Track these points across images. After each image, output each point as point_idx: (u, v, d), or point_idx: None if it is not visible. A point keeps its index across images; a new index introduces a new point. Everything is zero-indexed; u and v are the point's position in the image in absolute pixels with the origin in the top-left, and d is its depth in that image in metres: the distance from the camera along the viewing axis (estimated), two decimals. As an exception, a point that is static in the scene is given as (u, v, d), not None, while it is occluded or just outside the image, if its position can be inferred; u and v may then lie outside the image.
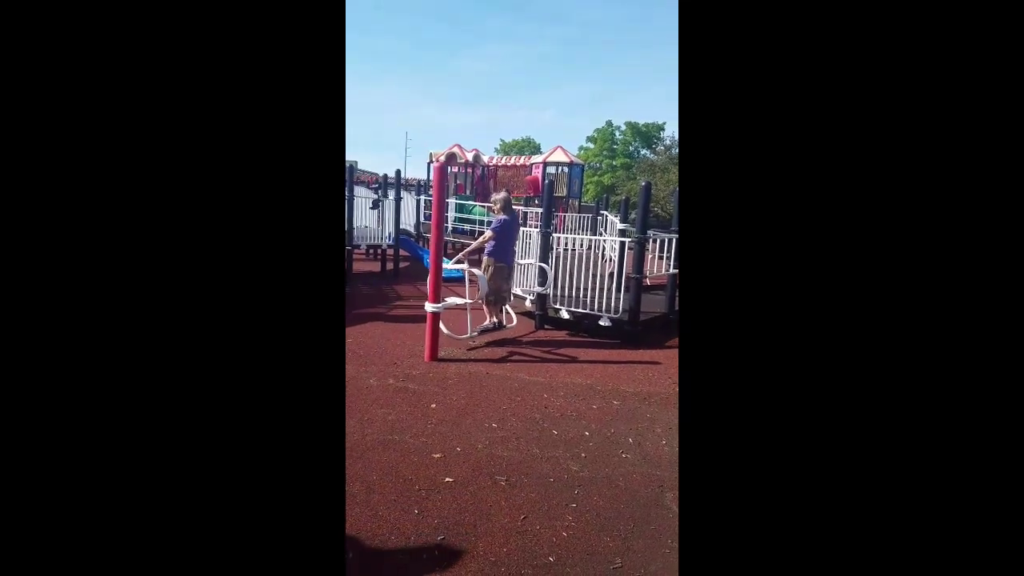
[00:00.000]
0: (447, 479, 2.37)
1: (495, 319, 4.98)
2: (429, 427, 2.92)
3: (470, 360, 4.30)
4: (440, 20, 74.01)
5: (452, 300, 4.73)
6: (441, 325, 4.48)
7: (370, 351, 4.34)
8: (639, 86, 62.74)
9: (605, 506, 2.24)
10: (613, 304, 5.12)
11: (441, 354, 4.29)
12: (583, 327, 5.37)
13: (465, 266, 4.84)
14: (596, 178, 34.69)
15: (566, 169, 16.96)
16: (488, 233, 4.84)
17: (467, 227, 12.50)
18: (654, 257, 6.62)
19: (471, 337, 4.82)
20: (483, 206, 12.27)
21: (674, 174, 22.81)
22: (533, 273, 5.62)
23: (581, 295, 5.37)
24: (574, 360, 4.47)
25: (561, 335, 5.34)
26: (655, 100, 66.97)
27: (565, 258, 5.73)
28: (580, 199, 16.51)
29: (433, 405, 3.24)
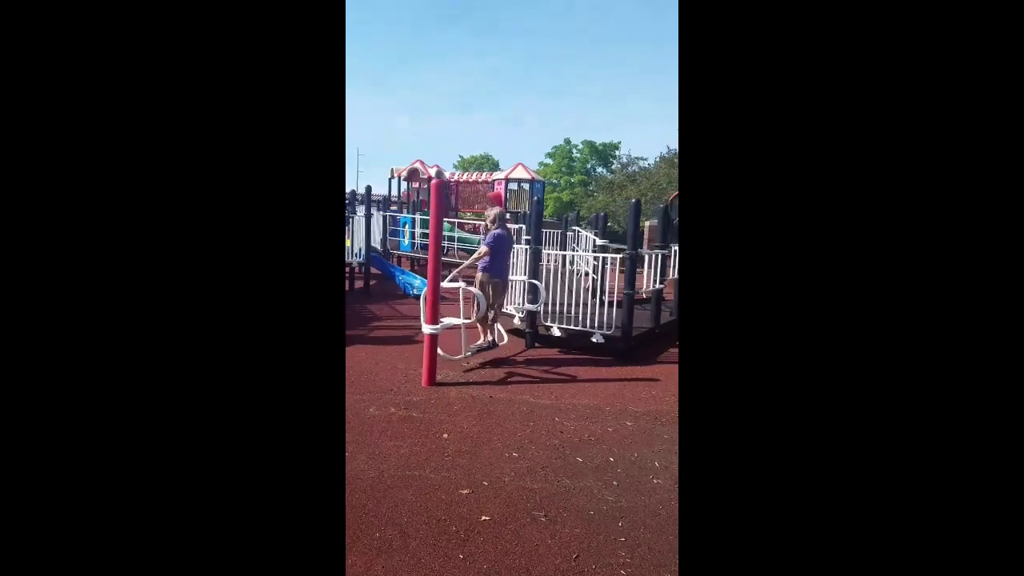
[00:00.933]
0: (483, 517, 2.20)
1: (489, 337, 4.82)
2: (447, 460, 2.73)
3: (470, 383, 4.13)
4: (389, 36, 73.89)
5: (449, 321, 4.55)
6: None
7: (361, 377, 4.10)
8: (596, 106, 64.34)
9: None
10: (606, 320, 5.06)
11: (438, 377, 4.09)
12: (575, 344, 5.28)
13: (461, 284, 4.68)
14: (555, 194, 35.09)
15: (527, 185, 17.08)
16: (483, 249, 4.69)
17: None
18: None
19: (465, 357, 4.65)
20: (449, 222, 12.13)
21: (631, 191, 23.31)
22: (520, 290, 5.51)
23: (572, 312, 5.29)
24: (574, 379, 4.36)
25: (553, 353, 5.23)
26: (613, 120, 68.87)
27: (554, 275, 5.65)
28: (542, 215, 16.70)
29: (445, 435, 3.06)
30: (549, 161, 38.91)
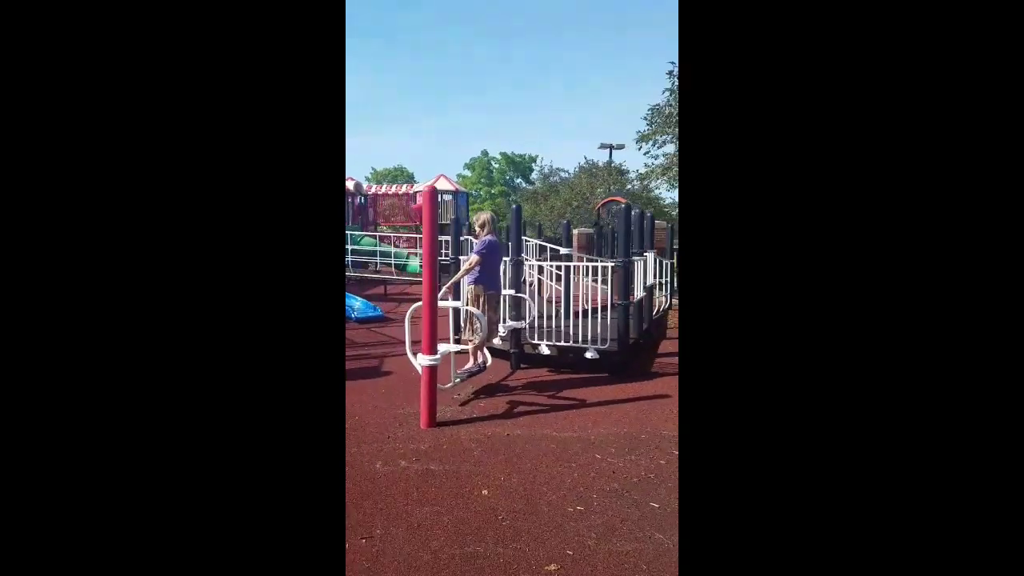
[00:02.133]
0: (596, 606, 1.74)
1: (481, 360, 4.31)
2: (505, 527, 2.23)
3: (475, 419, 3.61)
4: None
5: (445, 348, 4.00)
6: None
7: (348, 421, 3.45)
8: (513, 117, 64.97)
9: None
10: (599, 334, 4.73)
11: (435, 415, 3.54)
12: (565, 362, 4.90)
13: (464, 304, 4.15)
14: (476, 206, 34.84)
15: (450, 197, 16.65)
16: (473, 258, 4.17)
17: (362, 259, 11.56)
18: (581, 280, 6.39)
19: (455, 386, 4.11)
20: (371, 236, 11.38)
21: (555, 201, 23.50)
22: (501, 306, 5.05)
23: (555, 326, 4.92)
24: (584, 403, 3.97)
25: (544, 373, 4.82)
26: (529, 132, 69.97)
27: (535, 288, 5.25)
28: (467, 227, 16.37)
29: (485, 492, 2.54)
30: (468, 173, 38.64)
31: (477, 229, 4.32)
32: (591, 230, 17.03)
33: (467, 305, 4.15)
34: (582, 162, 24.24)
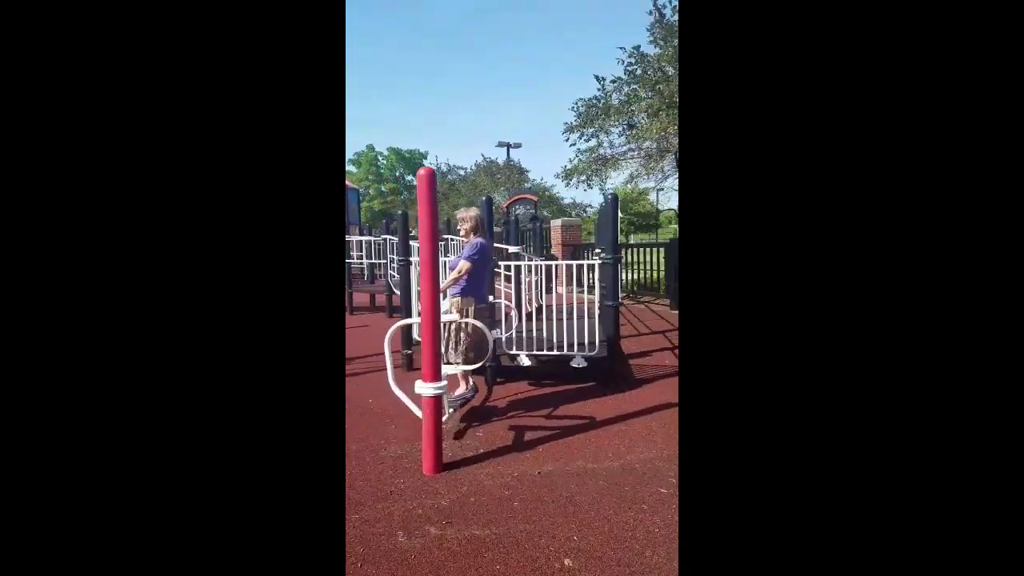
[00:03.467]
0: None
1: (472, 383, 3.66)
2: (627, 613, 1.67)
3: (483, 455, 2.97)
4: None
5: (451, 370, 3.30)
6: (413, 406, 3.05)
7: (329, 478, 2.65)
8: (400, 112, 62.48)
9: None
10: (586, 340, 4.29)
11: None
12: (546, 373, 4.39)
13: (456, 315, 3.44)
14: (366, 204, 32.92)
15: (343, 194, 15.44)
16: (463, 264, 3.48)
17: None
18: (532, 281, 5.98)
19: (450, 416, 3.43)
20: None
21: (455, 199, 22.86)
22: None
23: (533, 334, 4.40)
24: (596, 421, 3.48)
25: (523, 387, 4.28)
26: (416, 127, 68.03)
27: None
28: (360, 224, 15.41)
29: (567, 561, 1.95)
30: (353, 169, 36.50)
31: (464, 229, 3.64)
32: (499, 229, 16.69)
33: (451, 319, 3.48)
34: (479, 160, 23.83)
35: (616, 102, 8.78)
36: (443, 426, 3.32)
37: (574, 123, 9.39)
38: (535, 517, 2.28)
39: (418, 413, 3.17)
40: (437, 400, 2.74)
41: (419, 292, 3.61)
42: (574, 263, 5.13)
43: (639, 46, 8.52)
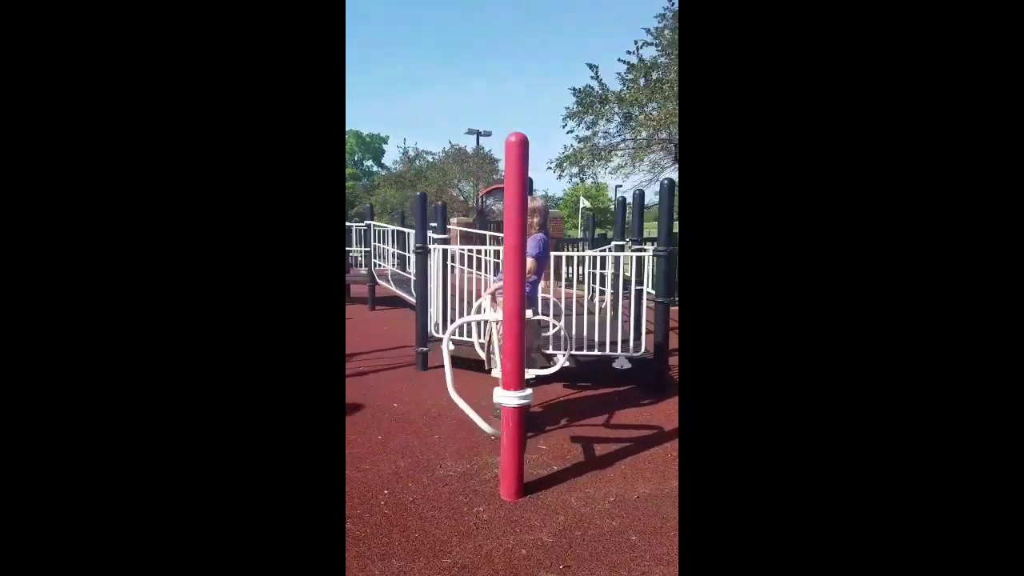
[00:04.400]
0: None
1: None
2: None
3: (561, 475, 2.56)
4: None
5: (535, 373, 2.86)
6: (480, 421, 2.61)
7: (374, 498, 2.19)
8: (361, 95, 60.32)
9: None
10: (632, 342, 3.93)
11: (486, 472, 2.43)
12: (584, 375, 4.02)
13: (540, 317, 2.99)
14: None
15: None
16: (530, 263, 3.04)
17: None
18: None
19: (495, 431, 2.98)
20: None
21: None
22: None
23: (578, 332, 4.02)
24: (663, 432, 3.13)
25: (559, 390, 3.89)
26: (375, 112, 65.96)
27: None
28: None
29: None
30: (311, 152, 34.86)
31: (534, 223, 3.16)
32: (470, 219, 16.18)
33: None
34: (447, 147, 23.10)
35: (624, 89, 8.51)
36: (492, 439, 2.90)
37: (574, 109, 9.04)
38: (665, 556, 1.90)
39: (484, 427, 2.73)
40: (521, 412, 2.31)
41: (493, 287, 3.17)
42: (621, 255, 4.72)
43: (662, 27, 8.21)
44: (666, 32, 8.07)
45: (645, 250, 4.05)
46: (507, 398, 2.28)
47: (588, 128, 9.05)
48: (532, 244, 3.05)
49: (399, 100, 65.80)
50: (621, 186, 21.37)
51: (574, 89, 9.10)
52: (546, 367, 3.27)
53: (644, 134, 9.11)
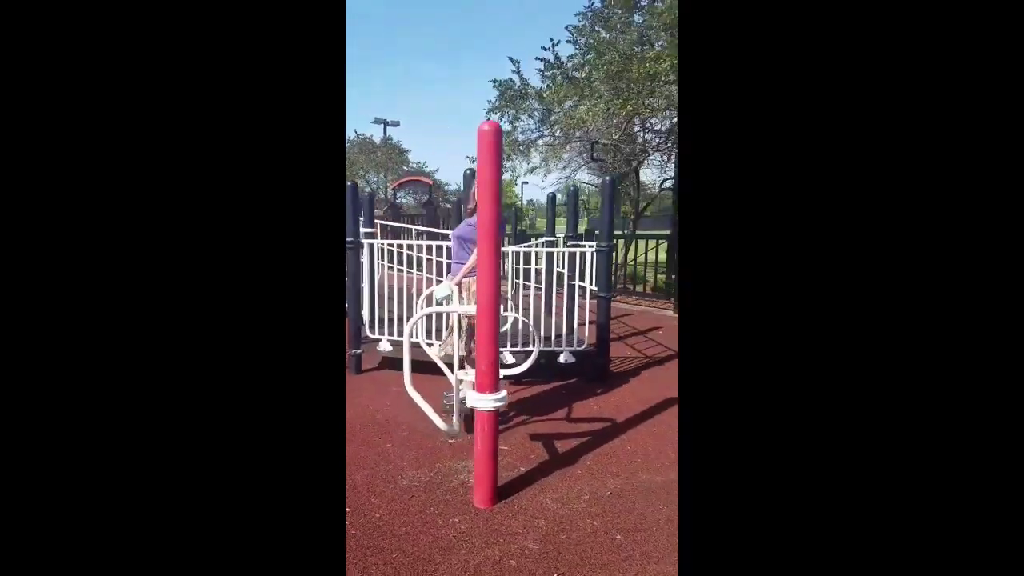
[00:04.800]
0: None
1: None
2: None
3: (529, 476, 2.50)
4: None
5: (507, 373, 2.70)
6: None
7: (348, 519, 2.01)
8: None
9: None
10: (576, 335, 3.95)
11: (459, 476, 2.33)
12: (532, 371, 3.98)
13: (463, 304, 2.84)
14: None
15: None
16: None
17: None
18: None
19: (452, 430, 2.84)
20: None
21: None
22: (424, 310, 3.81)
23: (518, 328, 3.97)
24: (616, 424, 3.17)
25: (511, 388, 3.82)
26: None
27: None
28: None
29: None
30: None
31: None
32: (380, 211, 15.60)
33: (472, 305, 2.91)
34: (352, 136, 22.12)
35: (544, 86, 8.52)
36: (448, 441, 2.79)
37: (496, 103, 8.93)
38: (654, 553, 1.90)
39: (442, 426, 2.60)
40: (496, 416, 2.21)
41: (460, 276, 3.01)
42: (555, 250, 4.71)
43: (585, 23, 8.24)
44: (586, 29, 8.18)
45: (583, 246, 4.06)
46: (482, 401, 2.17)
47: (510, 123, 8.98)
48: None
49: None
50: (527, 183, 21.69)
51: (495, 81, 9.00)
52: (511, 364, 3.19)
53: (559, 132, 9.22)
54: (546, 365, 3.92)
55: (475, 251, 2.90)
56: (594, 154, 9.53)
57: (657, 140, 9.45)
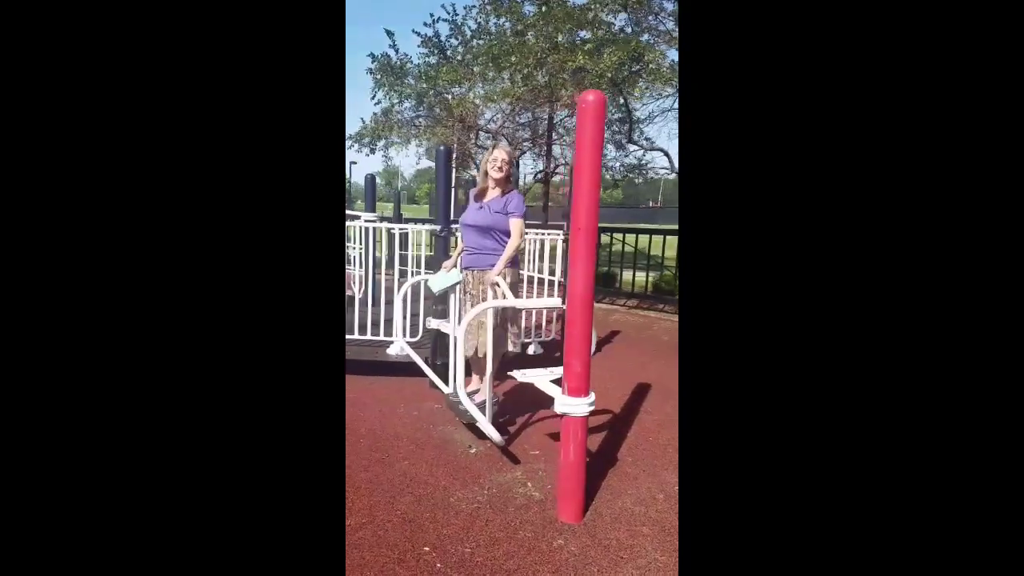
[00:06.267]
0: None
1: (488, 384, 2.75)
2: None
3: (593, 479, 2.32)
4: None
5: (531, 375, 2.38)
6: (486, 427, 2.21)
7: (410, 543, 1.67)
8: None
9: None
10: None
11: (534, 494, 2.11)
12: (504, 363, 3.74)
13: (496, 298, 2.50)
14: None
15: None
16: (519, 223, 2.61)
17: None
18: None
19: (499, 439, 2.51)
20: None
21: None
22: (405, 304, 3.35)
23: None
24: (615, 415, 3.11)
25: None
26: None
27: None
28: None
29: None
30: None
31: (496, 175, 2.66)
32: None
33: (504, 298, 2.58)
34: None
35: (420, 63, 8.03)
36: (472, 449, 2.50)
37: (378, 79, 8.19)
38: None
39: (496, 438, 2.29)
40: (586, 422, 1.99)
41: (494, 275, 2.63)
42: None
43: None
44: (461, 10, 7.92)
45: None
46: (575, 406, 1.94)
47: (392, 101, 8.35)
48: (517, 203, 2.66)
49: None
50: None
51: (372, 55, 8.28)
52: (512, 351, 2.93)
53: (438, 110, 8.88)
54: (518, 356, 3.73)
55: (512, 240, 2.61)
56: (477, 142, 9.36)
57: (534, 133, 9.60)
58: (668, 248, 6.46)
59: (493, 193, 2.70)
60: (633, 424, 2.99)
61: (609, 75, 6.07)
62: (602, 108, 1.85)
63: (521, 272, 3.23)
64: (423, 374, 3.33)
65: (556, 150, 9.87)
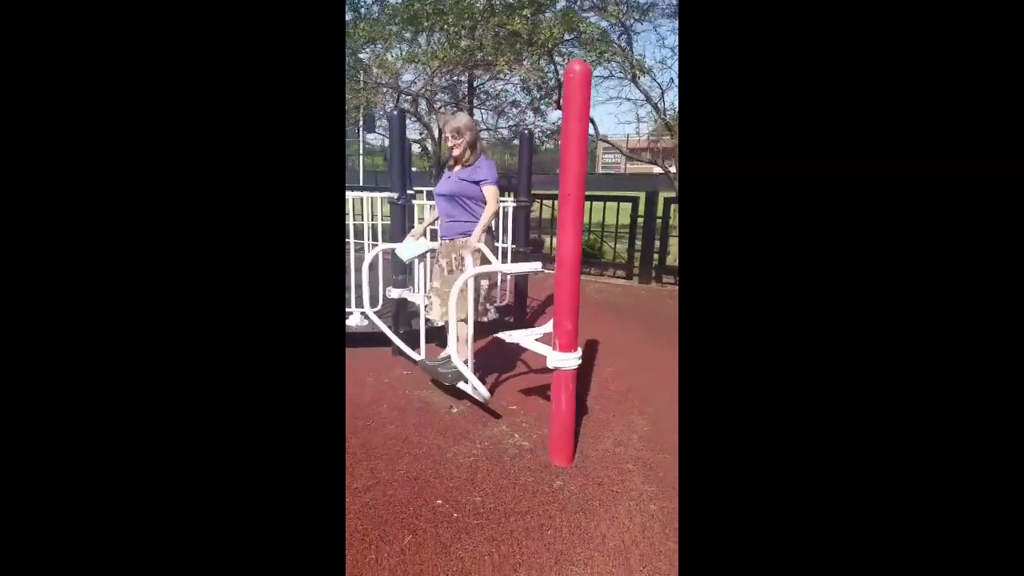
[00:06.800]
0: None
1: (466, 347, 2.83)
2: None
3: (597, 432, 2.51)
4: None
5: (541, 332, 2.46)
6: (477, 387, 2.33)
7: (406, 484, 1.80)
8: None
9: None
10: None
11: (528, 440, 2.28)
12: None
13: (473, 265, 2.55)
14: None
15: None
16: (493, 190, 2.64)
17: None
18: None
19: (484, 394, 2.62)
20: None
21: None
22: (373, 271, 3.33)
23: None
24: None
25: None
26: None
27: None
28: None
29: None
30: None
31: (462, 144, 2.66)
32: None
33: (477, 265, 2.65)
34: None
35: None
36: (451, 409, 2.62)
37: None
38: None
39: (483, 391, 2.40)
40: (572, 376, 2.16)
41: (475, 242, 2.63)
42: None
43: None
44: None
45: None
46: (566, 360, 2.10)
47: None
48: (490, 170, 2.69)
49: None
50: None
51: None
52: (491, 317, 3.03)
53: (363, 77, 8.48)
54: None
55: (488, 207, 2.65)
56: (401, 107, 9.04)
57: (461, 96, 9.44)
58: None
59: (460, 162, 2.73)
60: (593, 376, 3.22)
61: (549, 46, 6.11)
62: (588, 78, 1.96)
63: (496, 243, 3.29)
64: (383, 344, 3.35)
65: (477, 115, 9.79)
